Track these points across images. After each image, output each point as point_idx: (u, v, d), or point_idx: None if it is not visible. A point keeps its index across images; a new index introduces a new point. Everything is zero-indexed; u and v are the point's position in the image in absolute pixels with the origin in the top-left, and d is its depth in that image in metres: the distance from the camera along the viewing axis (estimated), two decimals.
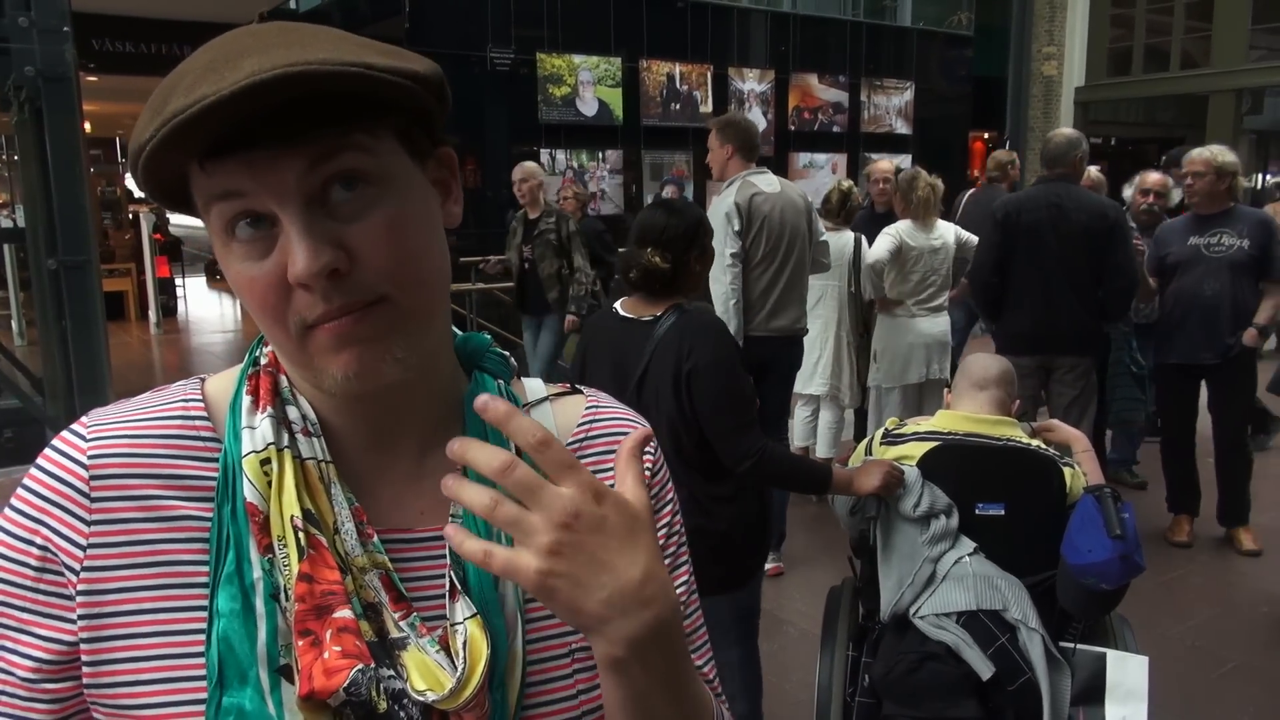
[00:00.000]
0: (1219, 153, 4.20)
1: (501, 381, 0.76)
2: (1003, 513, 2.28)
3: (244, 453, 0.65)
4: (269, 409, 0.67)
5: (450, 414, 0.73)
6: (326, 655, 0.60)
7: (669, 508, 0.81)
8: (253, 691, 0.60)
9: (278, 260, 0.61)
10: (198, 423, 0.69)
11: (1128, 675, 2.11)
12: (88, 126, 7.14)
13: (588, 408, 0.81)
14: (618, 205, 9.46)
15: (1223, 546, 4.41)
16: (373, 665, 0.61)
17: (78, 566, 0.64)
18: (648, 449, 0.80)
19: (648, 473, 0.79)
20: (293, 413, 0.68)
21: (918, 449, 2.35)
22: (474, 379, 0.75)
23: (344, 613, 0.62)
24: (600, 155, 9.29)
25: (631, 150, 9.49)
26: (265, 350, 0.71)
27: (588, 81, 9.15)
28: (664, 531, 0.79)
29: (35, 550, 0.64)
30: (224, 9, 9.36)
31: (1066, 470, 2.30)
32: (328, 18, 10.06)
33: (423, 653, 0.63)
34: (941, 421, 2.44)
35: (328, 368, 0.63)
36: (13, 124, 6.38)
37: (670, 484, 0.82)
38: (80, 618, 0.63)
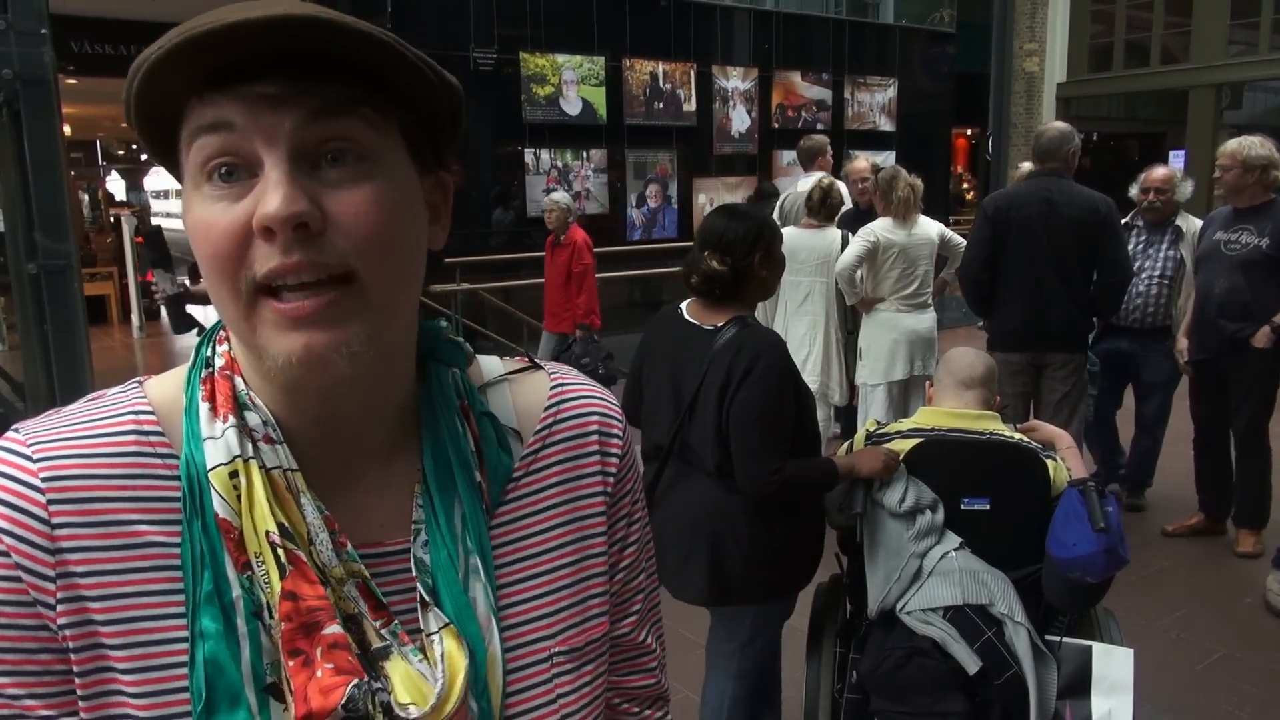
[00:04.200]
0: (1247, 145, 4.00)
1: (456, 370, 0.72)
2: (988, 507, 2.29)
3: (210, 466, 0.61)
4: (230, 417, 0.62)
5: (408, 416, 0.70)
6: (320, 674, 0.57)
7: (635, 486, 0.79)
8: (244, 713, 0.58)
9: (247, 207, 0.56)
10: (153, 438, 0.63)
11: (1113, 668, 2.12)
12: (67, 129, 7.09)
13: (554, 386, 0.77)
14: (602, 205, 9.45)
15: (1207, 539, 4.43)
16: (366, 679, 0.59)
17: (53, 601, 0.59)
18: (616, 429, 0.78)
19: (615, 459, 0.77)
20: (253, 419, 0.63)
21: (903, 446, 2.36)
22: (426, 374, 0.71)
23: (333, 628, 0.59)
24: (584, 154, 9.28)
25: (616, 149, 9.47)
26: (220, 349, 0.66)
27: (571, 81, 9.13)
28: (624, 521, 0.78)
29: (8, 586, 0.59)
30: (206, 7, 9.30)
31: (1049, 462, 2.31)
32: None
33: (406, 662, 0.61)
34: (924, 418, 2.45)
35: (271, 347, 0.58)
36: None
37: (638, 464, 0.80)
38: (73, 651, 0.59)
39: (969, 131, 15.47)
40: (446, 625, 0.63)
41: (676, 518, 2.32)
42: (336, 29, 0.54)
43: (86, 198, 14.72)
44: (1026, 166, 5.54)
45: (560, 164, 9.13)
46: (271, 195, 0.55)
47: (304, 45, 0.55)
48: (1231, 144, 4.09)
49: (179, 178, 0.61)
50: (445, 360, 0.72)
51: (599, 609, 0.73)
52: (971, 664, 2.07)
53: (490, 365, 0.77)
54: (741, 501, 2.23)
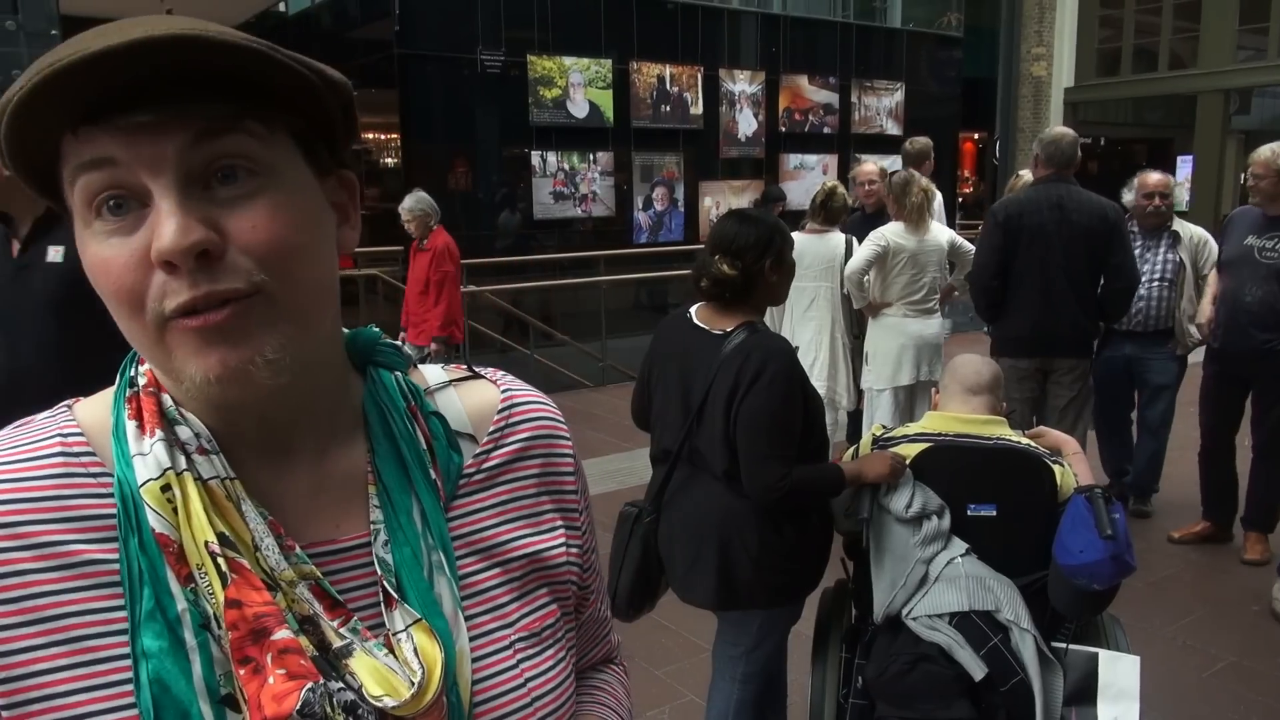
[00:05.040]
0: None
1: (399, 374, 0.73)
2: (994, 513, 2.29)
3: (140, 482, 0.60)
4: (158, 432, 0.61)
5: (348, 418, 0.70)
6: (271, 680, 0.57)
7: (583, 483, 0.82)
8: None
9: (143, 239, 0.55)
10: (82, 458, 0.62)
11: (1119, 675, 2.12)
12: None
13: (504, 391, 0.78)
14: (609, 207, 9.46)
15: (1213, 546, 4.42)
16: (321, 681, 0.58)
17: None
18: (563, 432, 0.80)
19: (567, 459, 0.80)
20: (184, 432, 0.62)
21: (909, 450, 2.35)
22: (369, 376, 0.72)
23: (283, 633, 0.58)
24: (591, 157, 9.29)
25: (622, 152, 9.50)
26: (142, 369, 0.65)
27: (578, 83, 9.15)
28: (583, 513, 0.81)
29: None
30: (211, 13, 9.32)
31: (1057, 468, 2.31)
32: (317, 21, 10.04)
33: (372, 656, 0.61)
34: (931, 423, 2.44)
35: (186, 368, 0.57)
36: None
37: (581, 464, 0.83)
38: None
39: (976, 136, 15.45)
40: (417, 621, 0.63)
41: (684, 522, 2.32)
42: (201, 45, 0.52)
43: None
44: (1024, 174, 5.54)
45: (567, 166, 9.15)
46: (165, 227, 0.54)
47: (173, 66, 0.53)
48: (1265, 152, 4.04)
49: (65, 212, 0.60)
50: (386, 364, 0.73)
51: (547, 598, 0.75)
52: (977, 670, 2.06)
53: (432, 373, 0.78)
54: (750, 506, 2.23)
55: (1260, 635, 3.60)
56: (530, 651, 0.71)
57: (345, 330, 0.72)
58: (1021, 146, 13.74)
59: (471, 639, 0.67)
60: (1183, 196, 4.47)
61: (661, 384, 2.39)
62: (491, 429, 0.76)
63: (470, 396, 0.77)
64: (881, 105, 11.55)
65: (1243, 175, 4.11)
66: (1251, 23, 14.58)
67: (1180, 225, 4.61)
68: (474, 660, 0.67)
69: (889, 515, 2.28)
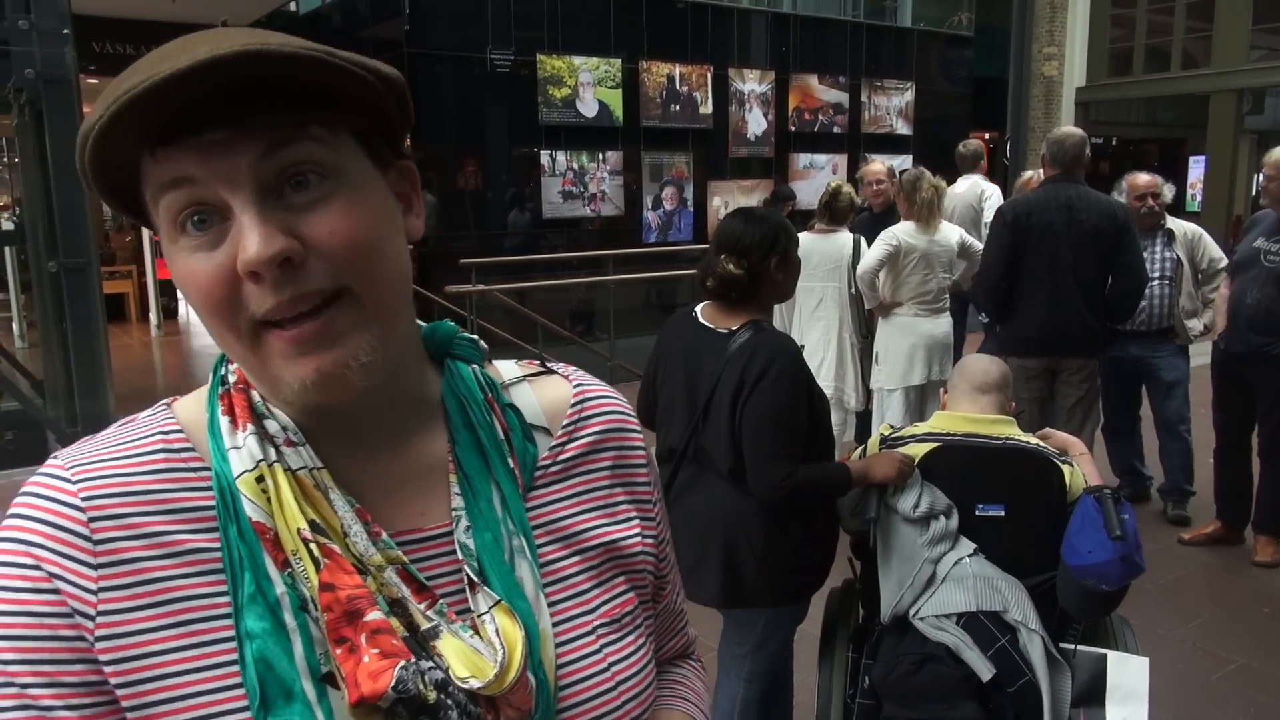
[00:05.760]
0: None
1: (475, 367, 0.76)
2: (1002, 513, 2.28)
3: (236, 474, 0.63)
4: (249, 426, 0.65)
5: (427, 409, 0.73)
6: (366, 659, 0.60)
7: (655, 476, 0.85)
8: (300, 706, 0.60)
9: (228, 251, 0.58)
10: (182, 453, 0.66)
11: (1128, 676, 2.11)
12: None
13: (576, 386, 0.81)
14: (618, 207, 9.46)
15: (1224, 548, 4.39)
16: (413, 659, 0.61)
17: (93, 612, 0.61)
18: (634, 425, 0.83)
19: (638, 451, 0.82)
20: (272, 426, 0.66)
21: (917, 450, 2.35)
22: (447, 369, 0.74)
23: (374, 614, 0.61)
24: (600, 156, 9.29)
25: (632, 151, 9.48)
26: (232, 367, 0.69)
27: (588, 83, 9.14)
28: (656, 505, 0.83)
29: (47, 599, 0.60)
30: (224, 12, 9.37)
31: (1065, 468, 2.30)
32: (328, 20, 10.07)
33: (458, 638, 0.64)
34: (940, 423, 2.44)
35: (284, 375, 0.61)
36: (13, 126, 6.39)
37: (653, 456, 0.86)
38: (106, 663, 0.60)
39: (987, 136, 15.39)
40: (498, 603, 0.65)
41: (690, 520, 2.32)
42: (264, 59, 0.54)
43: None
44: (1028, 174, 5.53)
45: (576, 166, 9.14)
46: (248, 240, 0.57)
47: (238, 81, 0.55)
48: (1277, 153, 4.06)
49: (152, 229, 0.63)
50: (463, 357, 0.76)
51: (624, 586, 0.77)
52: (985, 671, 2.05)
53: (507, 368, 0.81)
54: (755, 505, 2.23)
55: (1271, 638, 3.58)
56: (612, 637, 0.73)
57: (421, 324, 0.75)
58: (1032, 146, 13.67)
59: (555, 623, 0.70)
60: (1167, 194, 4.50)
61: (667, 383, 2.39)
62: (565, 422, 0.78)
63: (544, 391, 0.80)
64: (892, 105, 11.52)
65: (1257, 176, 4.09)
66: (1265, 22, 14.50)
67: (1174, 223, 4.63)
68: (558, 644, 0.69)
69: (896, 515, 2.27)
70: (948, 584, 2.18)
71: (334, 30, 9.89)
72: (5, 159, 13.49)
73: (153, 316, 11.43)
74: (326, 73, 0.58)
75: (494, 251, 8.52)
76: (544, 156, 8.95)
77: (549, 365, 0.83)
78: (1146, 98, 16.72)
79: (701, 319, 2.35)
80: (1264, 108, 16.43)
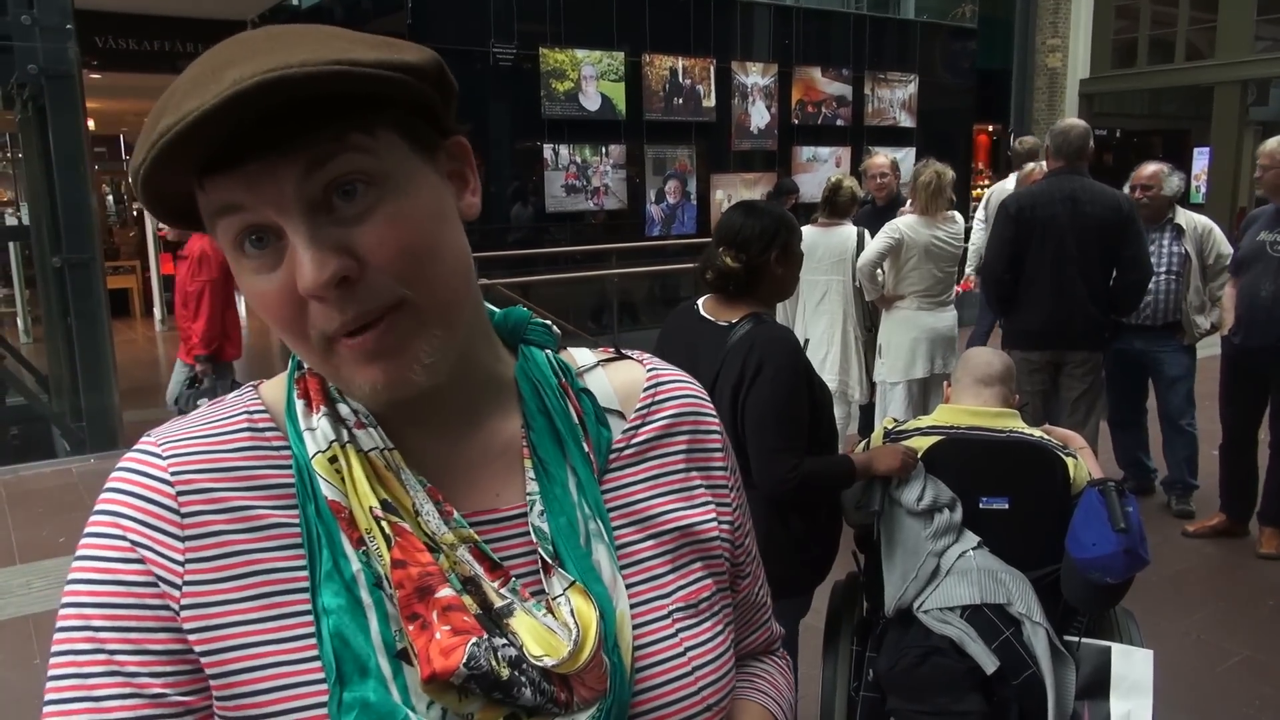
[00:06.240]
0: None
1: (549, 351, 0.77)
2: (1006, 506, 2.28)
3: (310, 454, 0.66)
4: (322, 408, 0.68)
5: (500, 393, 0.74)
6: (438, 635, 0.60)
7: (732, 461, 0.85)
8: (375, 683, 0.61)
9: (287, 272, 0.60)
10: (266, 433, 0.69)
11: (1133, 669, 2.11)
12: (91, 124, 7.15)
13: (650, 370, 0.82)
14: (621, 201, 9.45)
15: (1228, 540, 4.39)
16: (485, 636, 0.61)
17: (179, 582, 0.63)
18: (709, 410, 0.83)
19: (714, 435, 0.82)
20: (344, 409, 0.68)
21: (921, 443, 2.34)
22: (520, 354, 0.76)
23: (445, 591, 0.62)
24: (603, 150, 9.28)
25: (635, 145, 9.47)
26: None
27: (590, 76, 9.13)
28: (734, 491, 0.83)
29: (134, 568, 0.63)
30: (227, 6, 9.36)
31: (1069, 460, 2.30)
32: (330, 14, 10.05)
33: (532, 616, 0.64)
34: (943, 416, 2.43)
35: (354, 379, 0.63)
36: (16, 122, 6.39)
37: (729, 442, 0.86)
38: (190, 631, 0.63)
39: (990, 128, 15.35)
40: (573, 584, 0.66)
41: None
42: (286, 84, 0.54)
43: (110, 192, 14.84)
44: (1031, 167, 5.50)
45: (579, 160, 9.13)
46: (303, 266, 0.58)
47: (270, 104, 0.55)
48: (1271, 144, 4.05)
49: (214, 235, 0.64)
50: (537, 342, 0.77)
51: (701, 571, 0.77)
52: (989, 664, 2.06)
53: (581, 353, 0.82)
54: (757, 498, 2.23)
55: (1275, 630, 3.58)
56: (688, 622, 0.73)
57: (496, 310, 0.77)
58: (1036, 138, 13.66)
59: (630, 606, 0.70)
60: (1174, 184, 4.42)
61: None
62: (639, 405, 0.79)
63: (617, 375, 0.81)
64: (895, 97, 11.49)
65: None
66: (1270, 13, 14.45)
67: (1183, 216, 4.57)
68: (636, 626, 0.70)
69: (900, 508, 2.27)
70: (952, 577, 2.18)
71: (336, 24, 9.84)
72: (9, 154, 13.51)
73: (156, 311, 11.45)
74: (352, 83, 0.57)
75: (497, 246, 8.53)
76: (547, 150, 8.94)
77: (622, 351, 0.84)
78: (1151, 89, 16.68)
79: (703, 312, 2.35)
80: (1269, 99, 16.37)
